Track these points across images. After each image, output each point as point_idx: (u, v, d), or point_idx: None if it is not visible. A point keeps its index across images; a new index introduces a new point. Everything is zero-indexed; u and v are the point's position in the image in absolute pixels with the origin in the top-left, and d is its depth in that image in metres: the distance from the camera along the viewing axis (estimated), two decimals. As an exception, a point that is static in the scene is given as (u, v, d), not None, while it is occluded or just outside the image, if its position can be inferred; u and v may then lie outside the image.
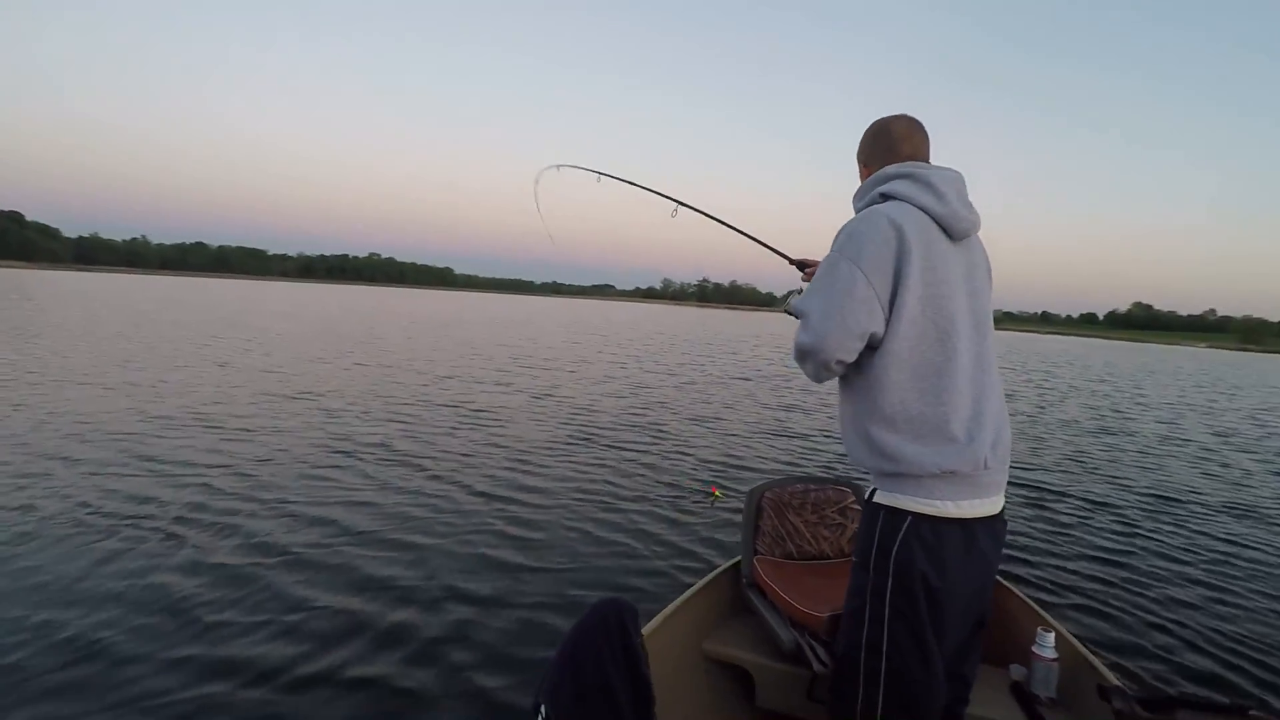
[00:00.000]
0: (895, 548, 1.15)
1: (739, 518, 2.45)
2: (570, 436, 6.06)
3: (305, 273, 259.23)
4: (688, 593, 2.03)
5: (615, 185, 2.34)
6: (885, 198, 1.24)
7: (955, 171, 1.27)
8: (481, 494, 4.22)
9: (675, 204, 2.15)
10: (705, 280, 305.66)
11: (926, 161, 1.31)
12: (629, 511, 4.03)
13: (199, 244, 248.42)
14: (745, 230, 2.07)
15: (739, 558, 2.25)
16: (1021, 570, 3.39)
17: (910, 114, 1.36)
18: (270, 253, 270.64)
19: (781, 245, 1.85)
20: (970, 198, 1.26)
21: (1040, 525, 4.24)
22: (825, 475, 2.51)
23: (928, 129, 1.35)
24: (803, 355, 1.20)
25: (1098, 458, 6.68)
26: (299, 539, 3.30)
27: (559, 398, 8.26)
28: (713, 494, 4.40)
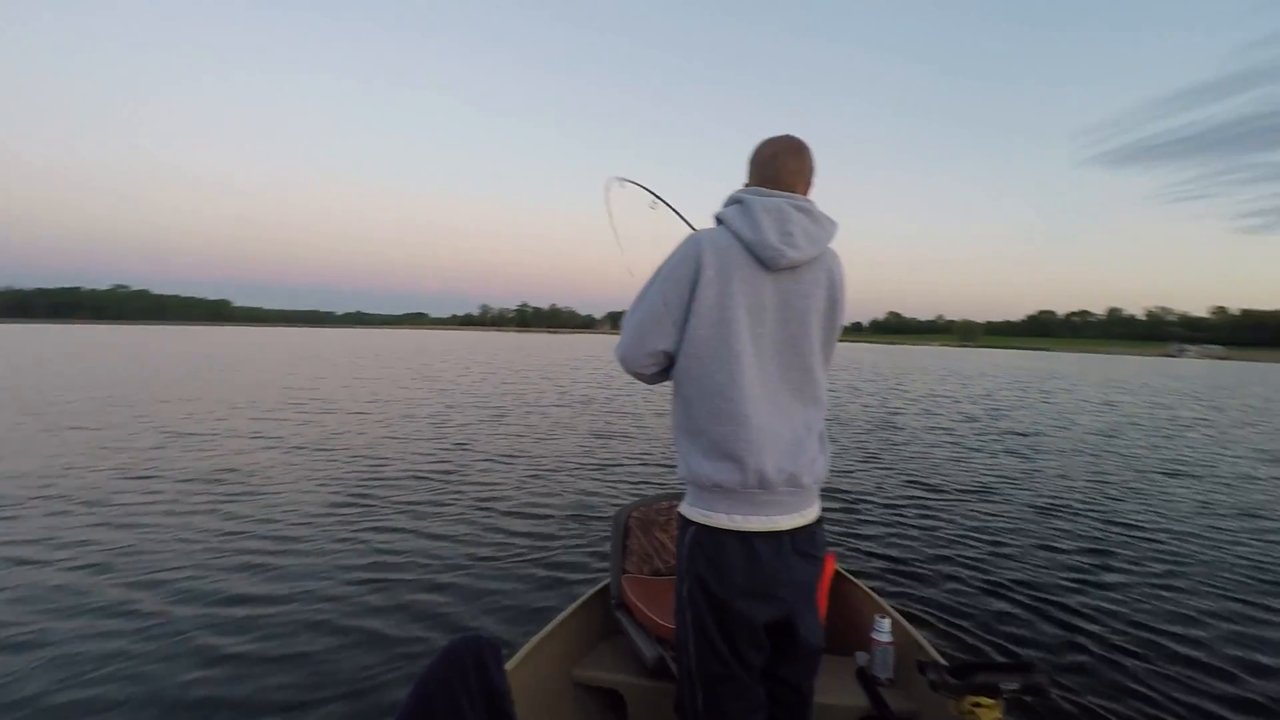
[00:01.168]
0: (686, 555, 1.26)
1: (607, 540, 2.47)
2: (424, 475, 5.66)
3: (19, 310, 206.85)
4: (554, 621, 2.00)
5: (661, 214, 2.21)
6: (719, 221, 1.29)
7: (795, 199, 1.27)
8: (312, 536, 3.97)
9: (653, 197, 2.14)
10: (525, 305, 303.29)
11: (789, 185, 1.31)
12: (491, 545, 3.90)
13: None
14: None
15: (608, 580, 2.23)
16: (865, 565, 3.68)
17: (788, 135, 1.35)
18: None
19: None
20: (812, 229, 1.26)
21: (879, 521, 4.58)
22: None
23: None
24: (620, 363, 1.31)
25: (898, 453, 7.28)
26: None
27: (407, 435, 7.41)
28: None
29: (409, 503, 4.73)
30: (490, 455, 6.61)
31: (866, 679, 1.83)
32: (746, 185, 1.35)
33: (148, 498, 4.66)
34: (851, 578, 2.34)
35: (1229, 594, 3.40)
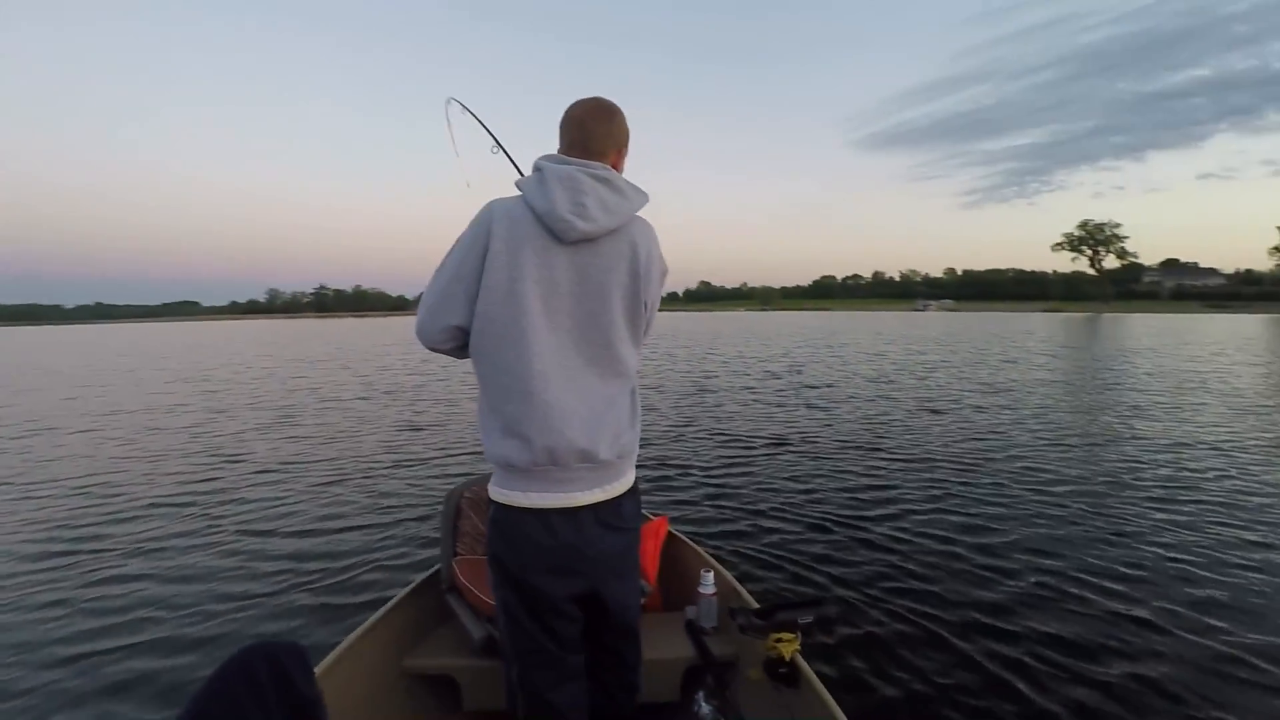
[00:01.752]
0: (489, 535, 1.27)
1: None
2: (189, 496, 4.72)
3: None
4: (381, 611, 1.94)
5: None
6: (519, 190, 1.23)
7: (594, 168, 1.21)
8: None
9: (495, 144, 2.00)
10: (323, 287, 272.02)
11: (594, 152, 1.26)
12: (304, 551, 3.55)
13: None
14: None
15: (439, 565, 2.19)
16: (696, 523, 3.81)
17: (605, 99, 1.30)
18: None
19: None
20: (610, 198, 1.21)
21: (705, 481, 4.76)
22: None
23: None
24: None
25: (716, 414, 7.64)
26: None
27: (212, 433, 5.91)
28: None
29: (174, 528, 3.97)
30: (282, 460, 5.80)
31: (693, 630, 1.92)
32: (560, 147, 1.29)
33: None
34: (683, 537, 2.41)
35: (986, 507, 4.00)
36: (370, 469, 5.37)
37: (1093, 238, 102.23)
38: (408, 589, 2.09)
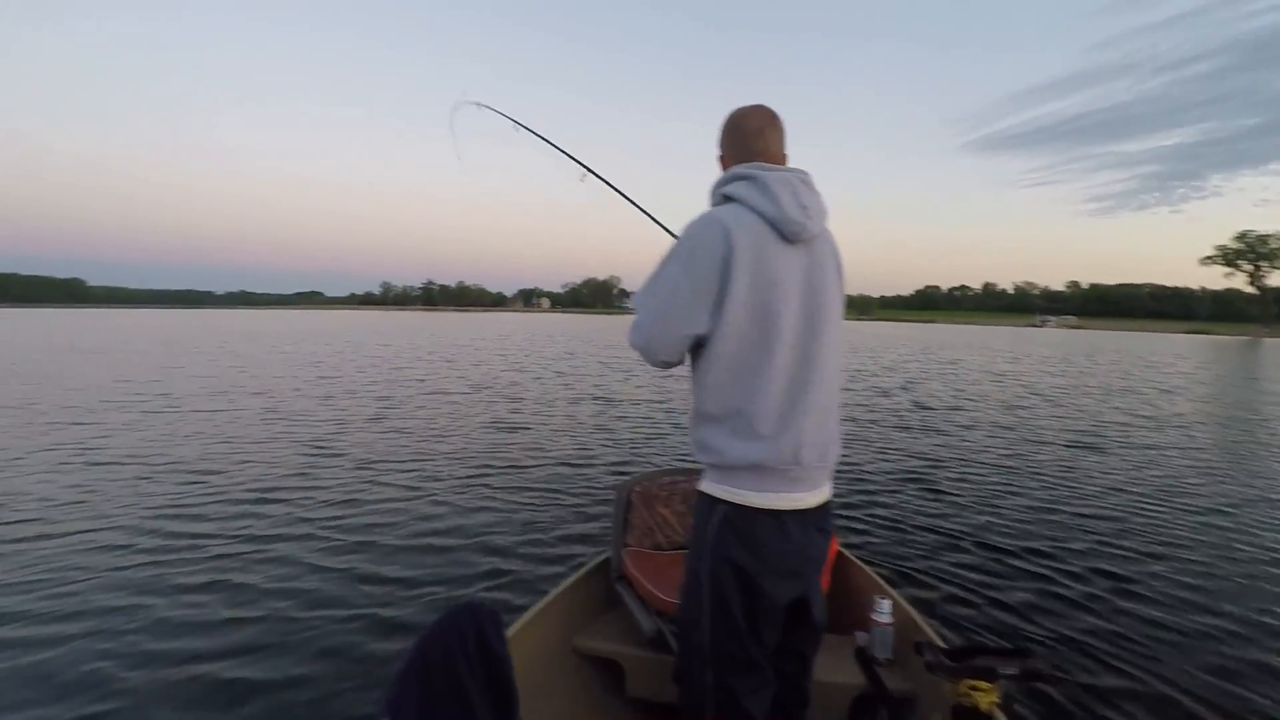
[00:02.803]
0: (711, 535, 1.24)
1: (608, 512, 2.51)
2: (419, 454, 5.87)
3: None
4: (555, 591, 2.03)
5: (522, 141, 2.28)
6: (727, 199, 1.27)
7: (799, 173, 1.27)
8: (319, 514, 4.18)
9: (583, 169, 2.12)
10: (430, 282, 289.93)
11: (778, 158, 1.33)
12: (499, 517, 4.09)
13: None
14: (646, 208, 2.01)
15: (609, 553, 2.27)
16: (865, 545, 3.70)
17: (766, 105, 1.35)
18: None
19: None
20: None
21: (892, 499, 4.66)
22: (693, 467, 2.44)
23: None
24: (636, 351, 1.28)
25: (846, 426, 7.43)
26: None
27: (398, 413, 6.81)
28: None
29: (402, 479, 4.89)
30: (473, 431, 6.92)
31: (865, 658, 1.83)
32: (728, 159, 1.36)
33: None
34: (853, 557, 2.36)
35: (1231, 577, 3.44)
36: (539, 459, 5.72)
37: (1254, 251, 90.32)
38: (579, 573, 2.17)
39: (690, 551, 1.30)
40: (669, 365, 1.29)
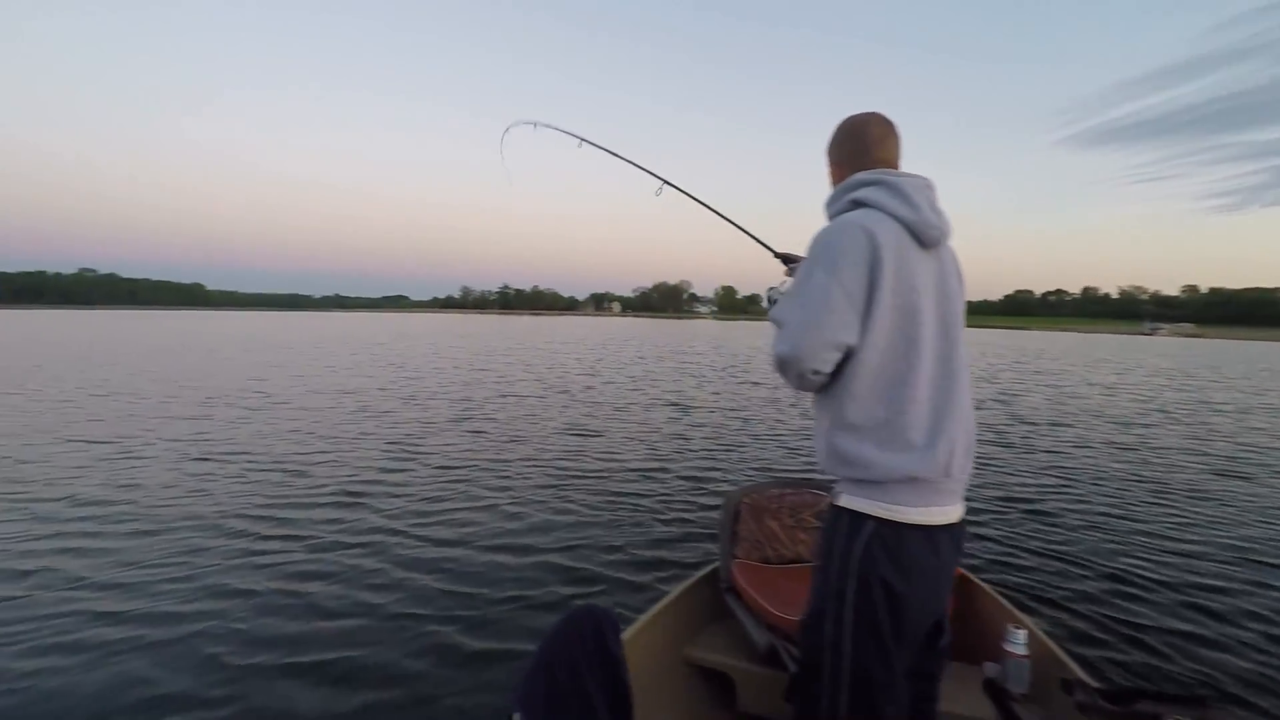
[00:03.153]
0: (857, 551, 1.18)
1: (711, 521, 2.54)
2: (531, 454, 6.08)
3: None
4: (666, 599, 2.03)
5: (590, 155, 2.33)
6: (857, 205, 1.25)
7: (925, 178, 1.28)
8: (435, 513, 4.29)
9: (661, 182, 2.06)
10: (507, 287, 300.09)
11: (896, 165, 1.33)
12: (599, 520, 4.14)
13: None
14: (731, 217, 1.95)
15: (718, 563, 2.24)
16: (993, 568, 3.45)
17: (880, 112, 1.35)
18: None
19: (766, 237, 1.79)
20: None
21: (1008, 522, 4.32)
22: (802, 479, 2.49)
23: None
24: (783, 365, 1.22)
25: (1045, 449, 6.93)
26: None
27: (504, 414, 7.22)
28: None
29: (496, 481, 5.07)
30: (550, 435, 7.00)
31: (997, 691, 1.71)
32: (844, 167, 1.35)
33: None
34: (978, 580, 2.22)
35: None
36: (642, 467, 5.69)
37: None
38: (687, 582, 2.16)
39: (826, 569, 1.23)
40: (814, 379, 1.21)
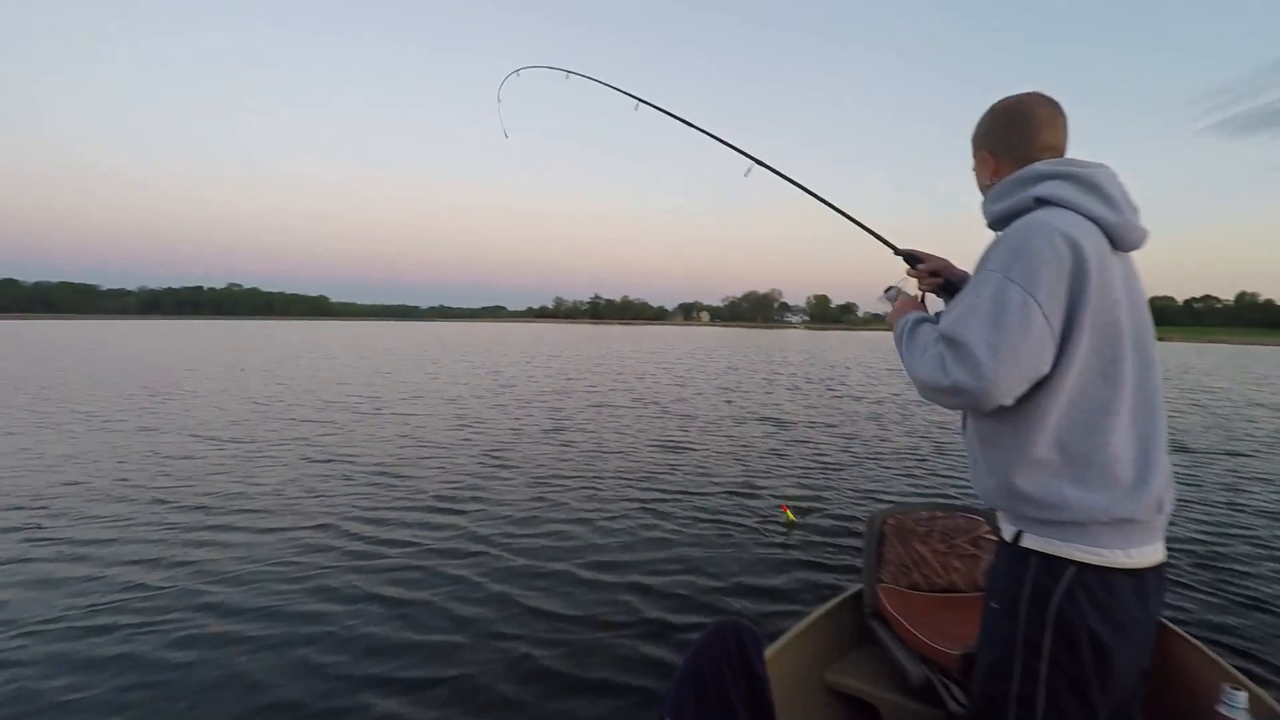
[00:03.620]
0: (1055, 600, 1.05)
1: (843, 541, 2.61)
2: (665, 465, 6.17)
3: (149, 308, 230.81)
4: (807, 620, 1.98)
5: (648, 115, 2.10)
6: (1040, 202, 1.09)
7: (1110, 167, 1.11)
8: (572, 521, 4.39)
9: (751, 162, 1.82)
10: (597, 297, 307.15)
11: (1064, 154, 1.17)
12: (727, 537, 4.10)
13: (9, 280, 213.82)
14: (837, 205, 1.70)
15: (860, 586, 2.17)
16: (1199, 619, 3.04)
17: (1040, 91, 1.19)
18: (104, 288, 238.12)
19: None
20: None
21: (1212, 566, 3.80)
22: (952, 502, 2.48)
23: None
24: (955, 392, 1.03)
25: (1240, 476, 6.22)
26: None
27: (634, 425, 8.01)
28: (784, 513, 4.25)
29: (631, 492, 5.13)
30: (647, 449, 6.92)
31: None
32: (1003, 157, 1.19)
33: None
34: (1182, 632, 1.93)
35: None
36: (748, 483, 5.56)
37: None
38: (829, 605, 2.10)
39: (1010, 614, 1.10)
40: (992, 407, 1.05)
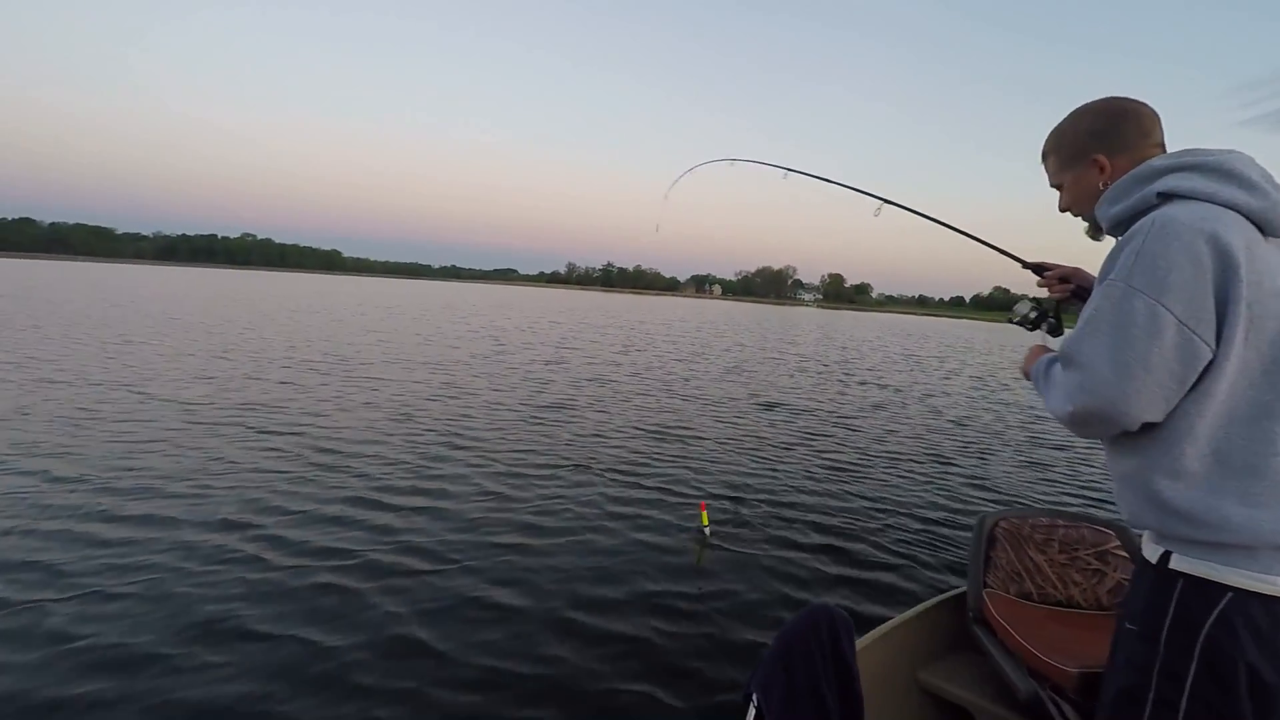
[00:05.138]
0: (1206, 628, 0.96)
1: (938, 540, 2.67)
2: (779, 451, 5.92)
3: (165, 254, 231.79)
4: (904, 615, 1.95)
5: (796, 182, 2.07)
6: (1165, 198, 1.01)
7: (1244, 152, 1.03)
8: (678, 496, 4.34)
9: (880, 202, 1.91)
10: (610, 265, 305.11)
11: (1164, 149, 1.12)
12: (838, 525, 4.03)
13: (25, 219, 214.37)
14: (965, 229, 1.81)
15: (963, 588, 2.08)
16: None
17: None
18: (119, 231, 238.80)
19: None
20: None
21: None
22: (1078, 511, 2.25)
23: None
24: (1083, 420, 0.99)
25: None
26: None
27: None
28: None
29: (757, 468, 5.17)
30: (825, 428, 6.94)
31: None
32: (1119, 156, 1.12)
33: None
34: None
35: None
36: (890, 475, 5.34)
37: None
38: (928, 604, 2.04)
39: (1149, 638, 1.02)
40: (1133, 426, 0.99)
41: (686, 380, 9.97)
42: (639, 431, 6.17)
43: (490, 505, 3.88)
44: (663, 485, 4.51)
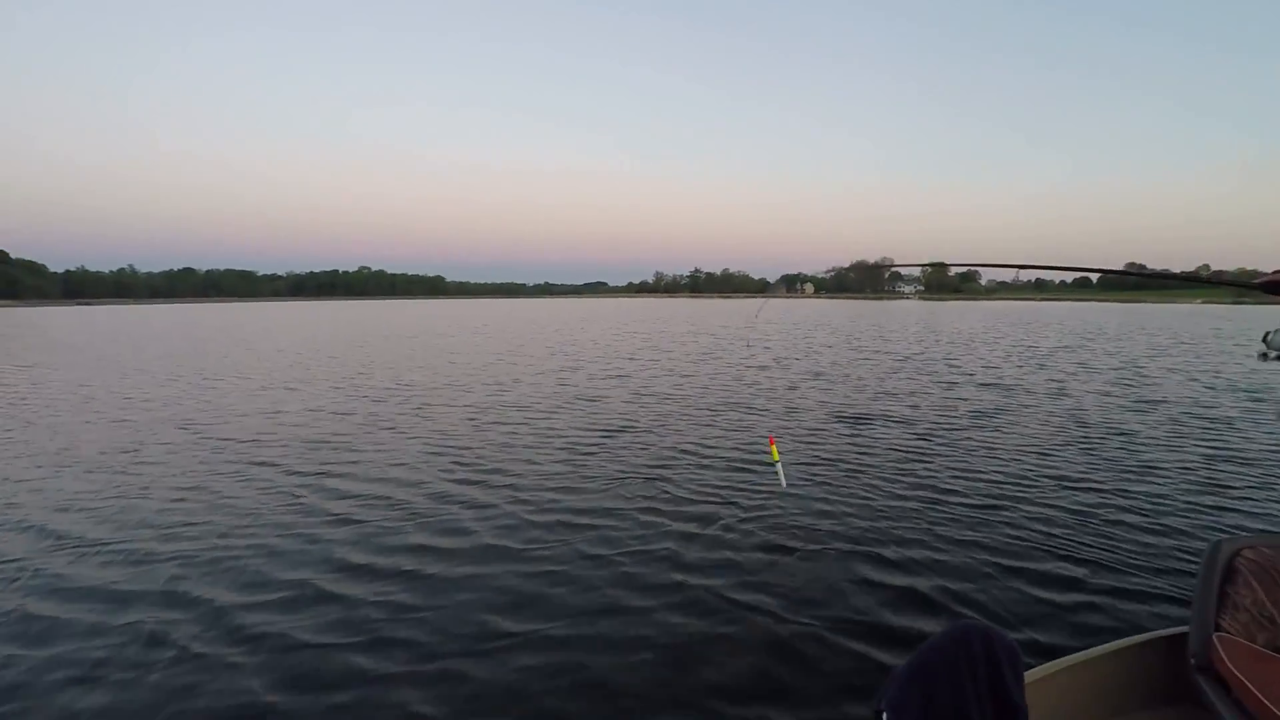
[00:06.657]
0: None
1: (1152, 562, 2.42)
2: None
3: (296, 290, 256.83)
4: (1095, 650, 1.70)
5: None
6: None
7: None
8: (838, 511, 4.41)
9: (1043, 269, 1.93)
10: (698, 271, 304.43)
11: None
12: (1030, 543, 3.71)
13: (187, 270, 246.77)
14: (1174, 271, 1.68)
15: (1184, 628, 1.76)
16: None
17: None
18: (260, 274, 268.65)
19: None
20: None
21: None
22: None
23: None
24: None
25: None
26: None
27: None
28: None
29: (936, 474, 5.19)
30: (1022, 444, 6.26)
31: None
32: None
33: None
34: None
35: None
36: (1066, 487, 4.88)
37: None
38: (1131, 641, 1.77)
39: None
40: None
41: (867, 382, 10.34)
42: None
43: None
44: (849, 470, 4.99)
